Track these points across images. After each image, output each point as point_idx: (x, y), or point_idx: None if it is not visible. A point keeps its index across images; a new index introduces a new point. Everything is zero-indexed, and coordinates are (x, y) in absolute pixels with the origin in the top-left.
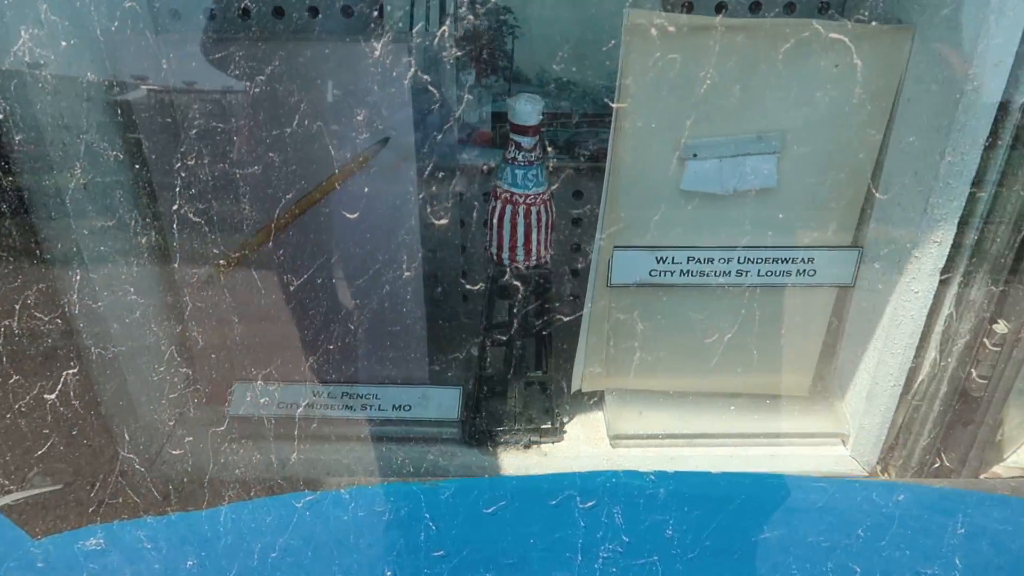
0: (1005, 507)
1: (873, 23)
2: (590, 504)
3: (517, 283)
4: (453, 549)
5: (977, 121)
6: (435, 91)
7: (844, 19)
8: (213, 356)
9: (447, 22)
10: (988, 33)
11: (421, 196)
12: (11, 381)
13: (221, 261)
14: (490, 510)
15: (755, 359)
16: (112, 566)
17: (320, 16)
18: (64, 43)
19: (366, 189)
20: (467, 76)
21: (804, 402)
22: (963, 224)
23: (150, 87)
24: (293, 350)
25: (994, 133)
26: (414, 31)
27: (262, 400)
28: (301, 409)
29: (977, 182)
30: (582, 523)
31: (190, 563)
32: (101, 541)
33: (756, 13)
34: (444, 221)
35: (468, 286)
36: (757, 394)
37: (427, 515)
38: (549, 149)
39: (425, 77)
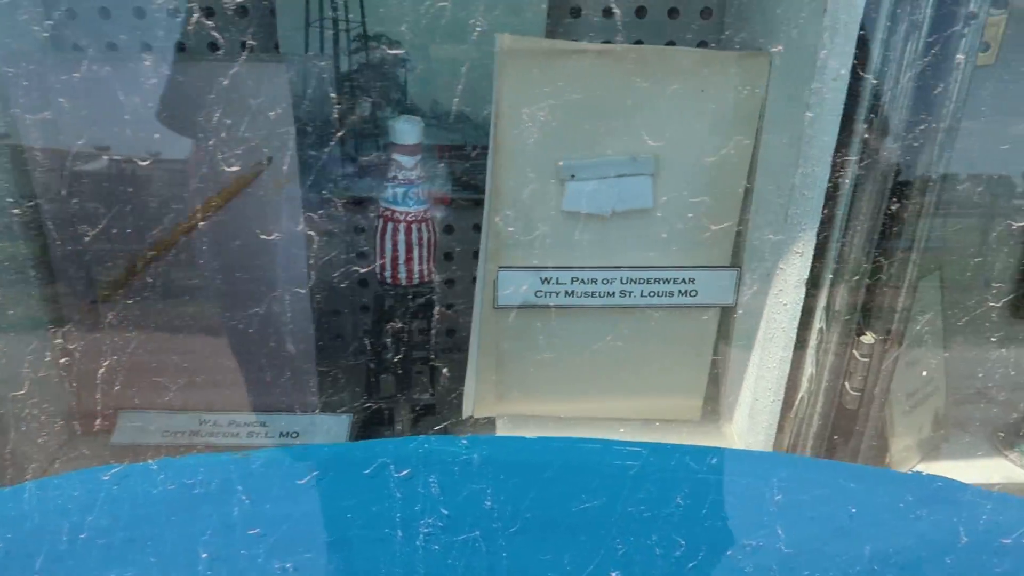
0: (822, 470)
1: (734, 50)
2: (404, 473)
3: (402, 303)
4: (270, 525)
5: (824, 132)
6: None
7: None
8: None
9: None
10: (826, 49)
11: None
12: None
13: (105, 288)
14: (304, 480)
15: (645, 382)
16: None
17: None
18: None
19: (249, 212)
20: (362, 108)
21: (694, 424)
22: (824, 235)
23: None
24: (179, 378)
25: (843, 144)
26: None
27: (150, 428)
28: (188, 437)
29: (832, 191)
30: (398, 494)
31: None
32: None
33: None
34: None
35: (357, 308)
36: (650, 418)
37: (239, 487)
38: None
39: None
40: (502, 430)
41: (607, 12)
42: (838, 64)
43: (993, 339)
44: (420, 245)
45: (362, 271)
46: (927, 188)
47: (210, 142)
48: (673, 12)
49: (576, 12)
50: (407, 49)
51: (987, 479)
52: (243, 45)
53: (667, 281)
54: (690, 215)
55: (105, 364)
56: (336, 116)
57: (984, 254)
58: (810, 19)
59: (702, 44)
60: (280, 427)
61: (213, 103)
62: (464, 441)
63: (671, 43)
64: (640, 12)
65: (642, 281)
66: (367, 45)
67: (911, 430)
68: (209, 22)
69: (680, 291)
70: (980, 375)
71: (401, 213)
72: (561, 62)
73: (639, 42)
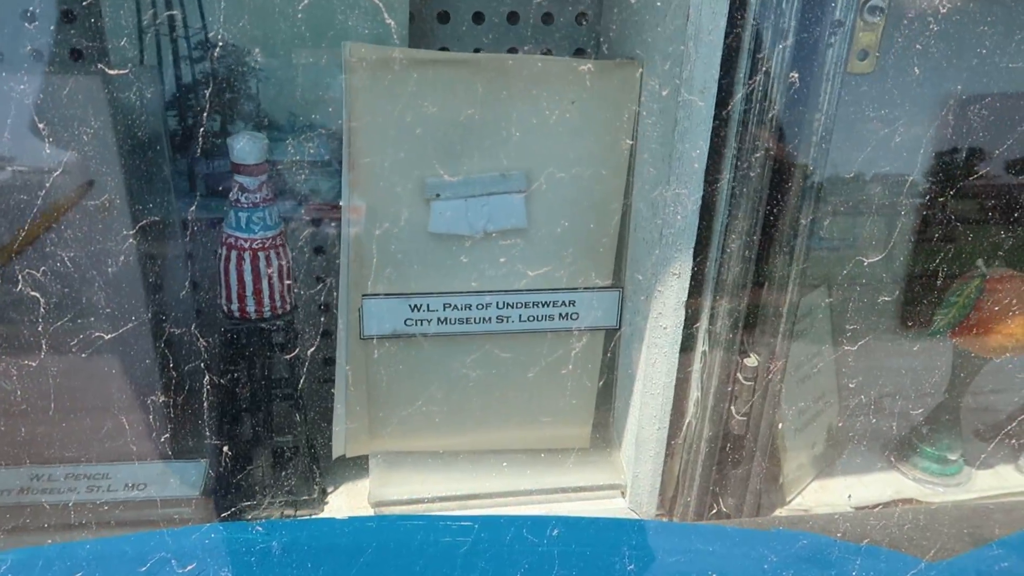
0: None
1: (604, 60)
2: (190, 568)
3: (253, 337)
4: None
5: (694, 147)
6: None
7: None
8: None
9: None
10: (691, 60)
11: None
12: None
13: None
14: None
15: (529, 411)
16: None
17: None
18: None
19: (71, 242)
20: (212, 122)
21: (582, 454)
22: (702, 255)
23: None
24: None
25: (715, 159)
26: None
27: None
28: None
29: (707, 209)
30: None
31: None
32: None
33: None
34: None
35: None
36: (535, 449)
37: None
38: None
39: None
40: (376, 469)
41: (477, 17)
42: (704, 75)
43: (885, 350)
44: (270, 275)
45: (203, 303)
46: (804, 201)
47: (20, 165)
48: (547, 18)
49: (444, 18)
50: (258, 58)
51: (881, 493)
52: (73, 54)
53: (546, 304)
54: (568, 234)
55: None
56: (171, 133)
57: (872, 264)
58: (675, 27)
59: (579, 52)
60: (125, 478)
61: (22, 121)
62: (259, 527)
63: (548, 51)
64: (512, 18)
65: (520, 305)
66: (210, 54)
67: (804, 447)
68: (30, 29)
69: (561, 314)
70: (872, 387)
71: (246, 240)
72: (417, 72)
73: (512, 50)
